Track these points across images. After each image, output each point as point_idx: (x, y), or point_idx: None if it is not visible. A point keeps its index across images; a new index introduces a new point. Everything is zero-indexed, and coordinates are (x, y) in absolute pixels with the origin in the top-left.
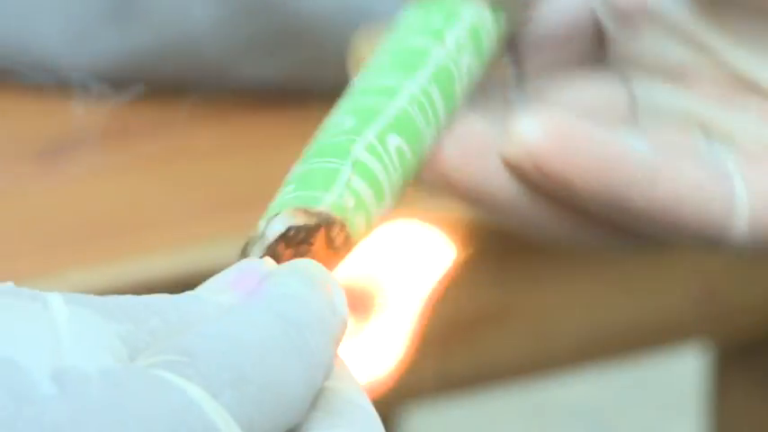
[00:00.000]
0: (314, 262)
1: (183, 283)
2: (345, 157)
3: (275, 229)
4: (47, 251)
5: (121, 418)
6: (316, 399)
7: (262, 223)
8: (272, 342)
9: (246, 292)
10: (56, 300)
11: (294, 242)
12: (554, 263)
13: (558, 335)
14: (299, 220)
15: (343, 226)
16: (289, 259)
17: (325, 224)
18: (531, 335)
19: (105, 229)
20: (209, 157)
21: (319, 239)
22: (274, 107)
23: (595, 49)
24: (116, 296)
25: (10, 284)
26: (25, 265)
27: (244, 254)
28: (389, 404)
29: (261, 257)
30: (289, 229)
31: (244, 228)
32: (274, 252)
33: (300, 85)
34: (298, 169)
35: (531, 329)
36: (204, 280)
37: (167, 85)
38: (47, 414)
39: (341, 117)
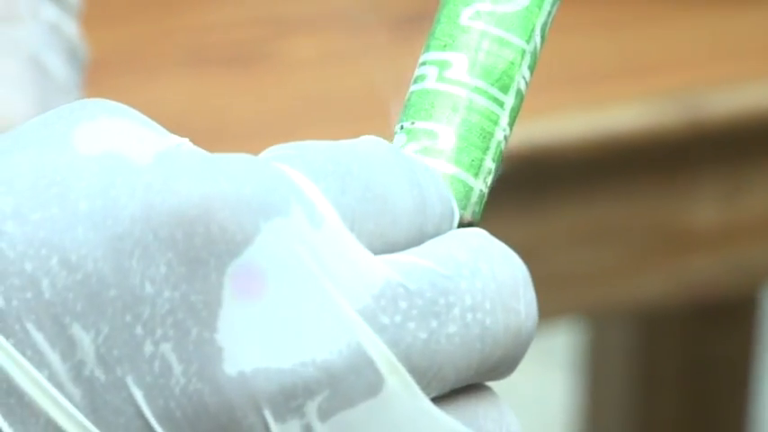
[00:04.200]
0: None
1: (523, 154)
2: (501, 111)
3: None
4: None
5: (214, 176)
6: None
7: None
8: (381, 158)
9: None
10: (178, 137)
11: None
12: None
13: None
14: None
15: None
16: None
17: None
18: None
19: None
20: (561, 32)
21: None
22: None
23: None
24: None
25: (134, 110)
26: None
27: None
28: None
29: None
30: None
31: (588, 102)
32: None
33: None
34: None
35: None
36: (550, 150)
37: None
38: (140, 178)
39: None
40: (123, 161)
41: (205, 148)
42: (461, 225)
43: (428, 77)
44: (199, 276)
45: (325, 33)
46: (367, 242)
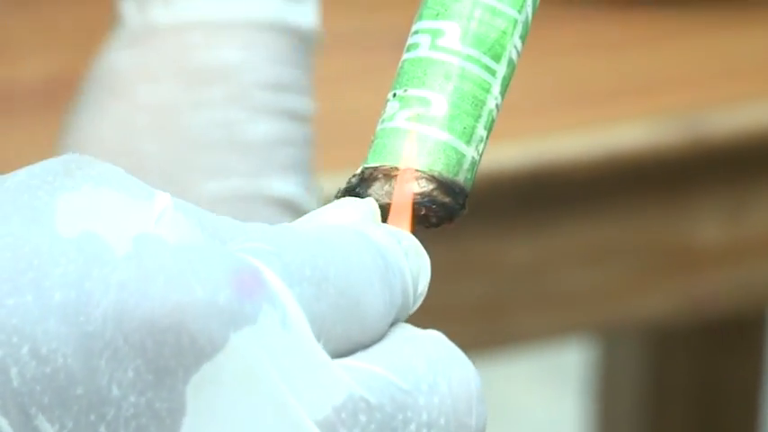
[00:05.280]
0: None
1: (528, 174)
2: (493, 78)
3: (407, 190)
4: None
5: (188, 281)
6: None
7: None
8: (358, 258)
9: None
10: (162, 194)
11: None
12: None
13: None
14: (440, 197)
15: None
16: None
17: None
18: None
19: None
20: (566, 52)
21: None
22: (638, 4)
23: None
24: (220, 217)
25: (120, 168)
26: None
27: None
28: None
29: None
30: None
31: (592, 121)
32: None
33: None
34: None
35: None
36: (555, 169)
37: None
38: (115, 273)
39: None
40: (101, 246)
41: None
42: (454, 191)
43: (421, 46)
44: (165, 385)
45: (330, 54)
46: (333, 346)
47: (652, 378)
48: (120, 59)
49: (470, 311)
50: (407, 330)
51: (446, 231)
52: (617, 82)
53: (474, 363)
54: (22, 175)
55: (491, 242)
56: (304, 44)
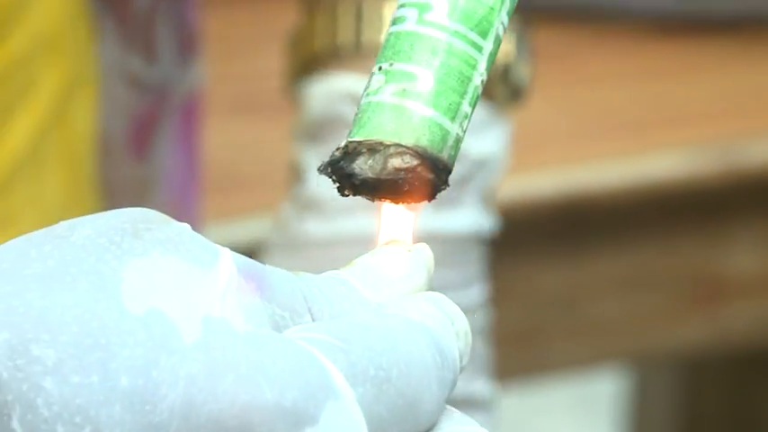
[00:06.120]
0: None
1: (563, 203)
2: (479, 57)
3: (393, 163)
4: None
5: (257, 380)
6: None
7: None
8: (420, 357)
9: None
10: (225, 257)
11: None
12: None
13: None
14: (426, 174)
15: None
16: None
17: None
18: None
19: None
20: (602, 82)
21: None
22: (676, 35)
23: None
24: (279, 272)
25: (186, 225)
26: None
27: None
28: None
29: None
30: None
31: (622, 151)
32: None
33: (703, 13)
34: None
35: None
36: (590, 198)
37: (568, 12)
38: (184, 365)
39: None
40: (169, 328)
41: (253, 195)
42: (438, 167)
43: (407, 20)
44: None
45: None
46: None
47: (685, 408)
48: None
49: (504, 339)
50: (455, 419)
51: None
52: (652, 112)
53: (508, 390)
54: (87, 228)
55: (525, 270)
56: (458, 246)
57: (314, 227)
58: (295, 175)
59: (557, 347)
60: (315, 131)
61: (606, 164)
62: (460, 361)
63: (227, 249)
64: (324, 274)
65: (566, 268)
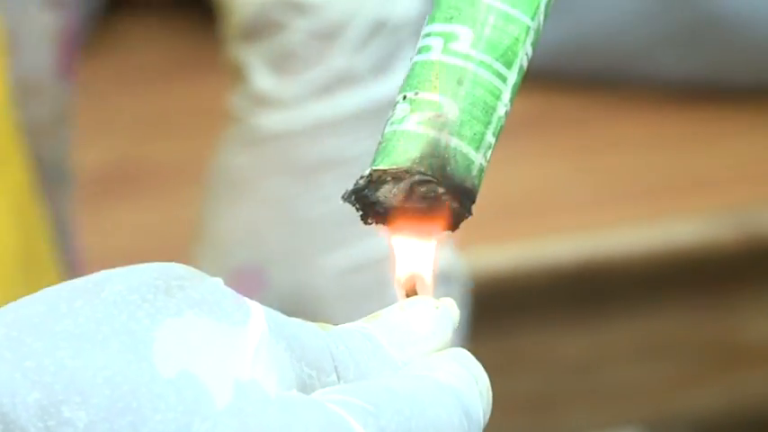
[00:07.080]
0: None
1: (580, 269)
2: (504, 85)
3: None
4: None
5: None
6: None
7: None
8: (448, 421)
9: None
10: (257, 314)
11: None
12: None
13: None
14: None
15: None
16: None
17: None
18: None
19: (517, 210)
20: (620, 148)
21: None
22: (695, 102)
23: None
24: (308, 329)
25: (219, 281)
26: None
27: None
28: None
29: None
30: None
31: (639, 217)
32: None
33: (722, 81)
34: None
35: None
36: (608, 264)
37: (587, 78)
38: (216, 431)
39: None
40: (200, 392)
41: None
42: (463, 196)
43: (433, 49)
44: None
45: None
46: None
47: None
48: (238, 159)
49: (521, 405)
50: None
51: (499, 325)
52: (669, 178)
53: None
54: (118, 284)
55: (543, 336)
56: None
57: (267, 119)
58: (237, 73)
59: (574, 413)
60: (250, 32)
61: (623, 230)
62: (483, 419)
63: (259, 305)
64: (351, 326)
65: (583, 334)
